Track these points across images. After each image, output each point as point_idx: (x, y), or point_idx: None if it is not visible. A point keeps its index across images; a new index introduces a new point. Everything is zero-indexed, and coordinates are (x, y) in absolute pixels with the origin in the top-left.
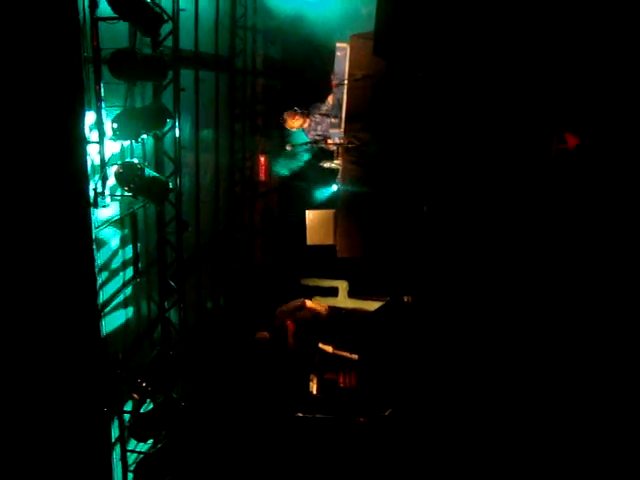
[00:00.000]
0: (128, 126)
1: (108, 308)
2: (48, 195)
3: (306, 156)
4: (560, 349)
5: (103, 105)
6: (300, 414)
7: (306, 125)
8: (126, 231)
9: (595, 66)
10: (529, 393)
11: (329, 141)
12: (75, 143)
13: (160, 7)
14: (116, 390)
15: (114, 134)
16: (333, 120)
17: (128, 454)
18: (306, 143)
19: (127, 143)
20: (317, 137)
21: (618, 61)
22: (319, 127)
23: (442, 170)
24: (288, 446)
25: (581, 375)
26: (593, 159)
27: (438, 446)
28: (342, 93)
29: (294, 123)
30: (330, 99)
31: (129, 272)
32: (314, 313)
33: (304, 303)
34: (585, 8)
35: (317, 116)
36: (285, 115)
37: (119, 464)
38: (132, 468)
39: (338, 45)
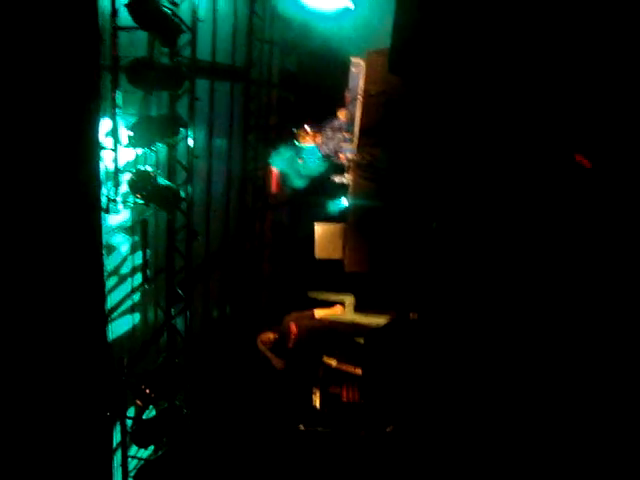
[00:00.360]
0: (143, 134)
1: (115, 313)
2: (61, 199)
3: (318, 170)
4: (575, 369)
5: (119, 112)
6: (302, 427)
7: (318, 141)
8: (136, 238)
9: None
10: (538, 415)
11: (341, 156)
12: (90, 149)
13: (179, 18)
14: (120, 395)
15: (129, 142)
16: (346, 135)
17: (129, 460)
18: (318, 157)
19: (141, 151)
20: (329, 152)
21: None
22: (331, 143)
23: (452, 187)
24: (289, 458)
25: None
26: (604, 184)
27: (439, 464)
28: (355, 108)
29: (307, 140)
30: (342, 114)
31: (137, 279)
32: (324, 322)
33: (313, 314)
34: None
35: (329, 132)
36: (298, 132)
37: (119, 470)
38: (132, 474)
39: (353, 60)
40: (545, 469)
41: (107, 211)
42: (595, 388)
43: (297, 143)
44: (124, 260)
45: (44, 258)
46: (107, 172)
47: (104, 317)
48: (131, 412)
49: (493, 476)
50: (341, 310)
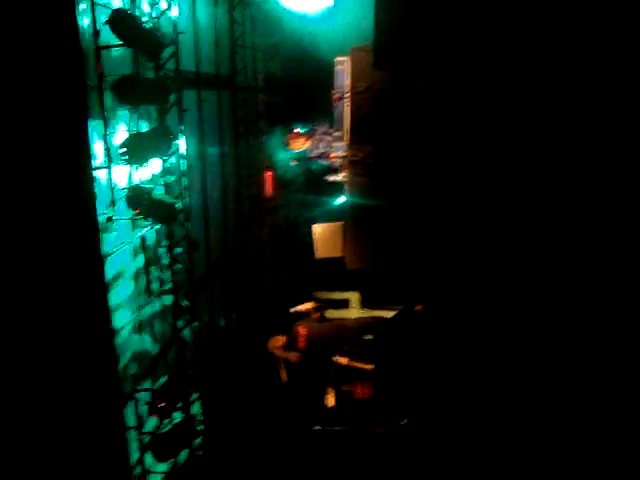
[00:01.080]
0: (135, 150)
1: (124, 332)
2: (58, 223)
3: (312, 171)
4: (588, 361)
5: (109, 131)
6: (318, 427)
7: (308, 144)
8: (139, 254)
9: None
10: (550, 402)
11: (333, 154)
12: (83, 169)
13: (161, 31)
14: (134, 411)
15: (122, 159)
16: (336, 134)
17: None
18: (310, 158)
19: (135, 167)
20: (321, 153)
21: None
22: (321, 144)
23: (447, 177)
24: (308, 459)
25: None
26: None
27: (455, 455)
28: (344, 106)
29: (297, 144)
30: (296, 144)
31: (142, 295)
32: (332, 322)
33: (319, 317)
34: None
35: (319, 133)
36: (288, 137)
37: None
38: None
39: (338, 59)
40: (556, 455)
41: (105, 229)
42: (598, 377)
43: (288, 148)
44: (127, 277)
45: (46, 281)
46: (103, 191)
47: (110, 334)
48: (148, 427)
49: (507, 465)
50: (313, 305)
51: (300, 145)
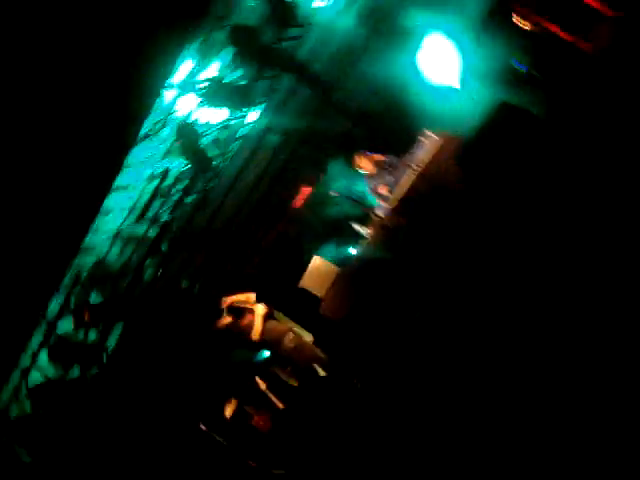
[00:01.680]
0: (212, 92)
1: (100, 238)
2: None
3: (343, 208)
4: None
5: (201, 66)
6: (203, 427)
7: (374, 170)
8: (156, 179)
9: None
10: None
11: (381, 189)
12: (149, 85)
13: (296, 10)
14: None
15: (196, 93)
16: (386, 192)
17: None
18: (353, 199)
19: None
20: (375, 185)
21: None
22: (383, 173)
23: (450, 290)
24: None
25: None
26: None
27: None
28: (406, 175)
29: (362, 163)
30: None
31: (135, 213)
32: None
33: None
34: None
35: (388, 166)
36: (356, 155)
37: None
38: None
39: (426, 132)
40: None
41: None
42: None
43: (353, 166)
44: (132, 193)
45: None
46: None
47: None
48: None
49: None
50: (254, 299)
51: (366, 166)
